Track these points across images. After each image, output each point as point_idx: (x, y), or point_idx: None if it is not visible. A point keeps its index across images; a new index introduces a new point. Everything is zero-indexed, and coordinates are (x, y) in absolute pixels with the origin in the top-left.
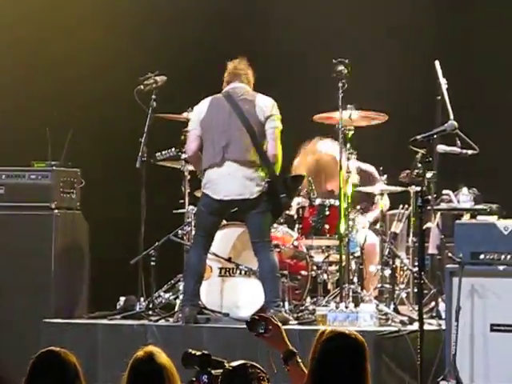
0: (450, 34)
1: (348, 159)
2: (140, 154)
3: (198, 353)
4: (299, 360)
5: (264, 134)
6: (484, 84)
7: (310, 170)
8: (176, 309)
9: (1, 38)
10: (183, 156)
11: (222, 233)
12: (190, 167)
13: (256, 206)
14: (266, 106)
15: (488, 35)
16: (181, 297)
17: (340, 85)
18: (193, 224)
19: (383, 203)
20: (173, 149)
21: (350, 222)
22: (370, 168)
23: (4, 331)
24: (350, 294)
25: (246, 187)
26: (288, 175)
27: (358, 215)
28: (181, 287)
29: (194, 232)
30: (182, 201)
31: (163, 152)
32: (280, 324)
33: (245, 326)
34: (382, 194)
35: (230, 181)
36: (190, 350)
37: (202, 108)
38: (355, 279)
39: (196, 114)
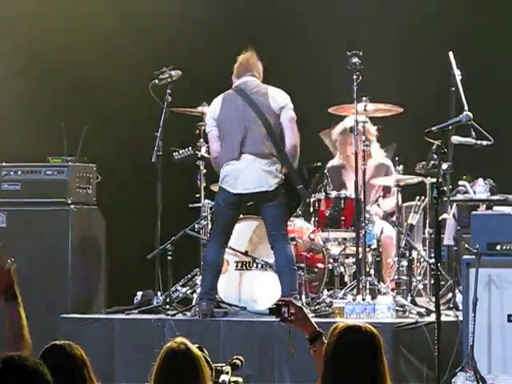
0: (464, 23)
1: (363, 151)
2: (155, 148)
3: None
4: (325, 341)
5: (279, 124)
6: (499, 74)
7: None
8: (193, 303)
9: (15, 38)
10: (200, 154)
11: (238, 226)
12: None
13: (273, 198)
14: (279, 97)
15: (503, 25)
16: (198, 291)
17: (354, 77)
18: (209, 218)
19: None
20: (190, 148)
21: (367, 215)
22: (387, 162)
23: None
24: (367, 286)
25: (263, 179)
26: (304, 166)
27: (373, 206)
28: (198, 281)
29: (211, 226)
30: (197, 195)
31: (180, 151)
32: (302, 306)
33: (262, 319)
34: (398, 186)
35: (248, 174)
36: None
37: (215, 106)
38: (372, 271)
39: (211, 114)
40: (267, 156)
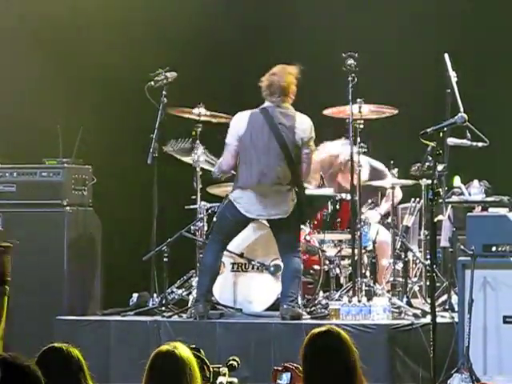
0: (461, 25)
1: (359, 153)
2: (151, 150)
3: None
4: None
5: (300, 155)
6: (496, 76)
7: (322, 165)
8: (189, 304)
9: (13, 39)
10: (196, 150)
11: None
12: (202, 164)
13: (288, 222)
14: (304, 130)
15: (500, 26)
16: (194, 292)
17: (350, 79)
18: (205, 220)
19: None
20: (190, 140)
21: (362, 216)
22: (380, 166)
23: (17, 329)
24: (363, 287)
25: (279, 207)
26: (317, 194)
27: (368, 210)
28: (193, 283)
29: (208, 229)
30: (193, 196)
31: (174, 144)
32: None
33: (258, 321)
34: (393, 188)
35: (264, 203)
36: None
37: (241, 123)
38: (368, 273)
39: (235, 128)
40: (284, 187)
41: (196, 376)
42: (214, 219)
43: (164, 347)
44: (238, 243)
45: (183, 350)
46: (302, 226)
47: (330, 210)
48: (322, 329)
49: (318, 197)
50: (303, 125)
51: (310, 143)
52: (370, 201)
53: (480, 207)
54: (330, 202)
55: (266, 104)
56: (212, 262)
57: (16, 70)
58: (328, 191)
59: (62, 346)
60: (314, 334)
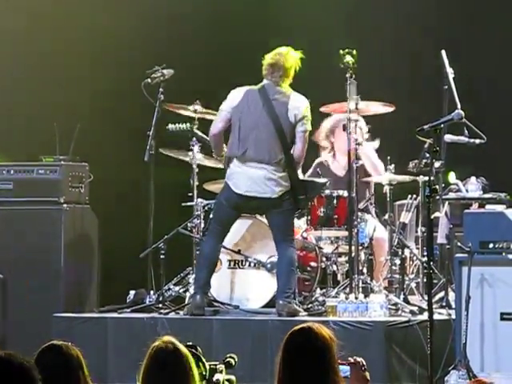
0: (457, 22)
1: (356, 150)
2: (148, 147)
3: None
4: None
5: (294, 135)
6: (493, 72)
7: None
8: (186, 301)
9: (8, 37)
10: (197, 132)
11: None
12: (199, 160)
13: (278, 205)
14: (298, 108)
15: (496, 22)
16: (191, 289)
17: (348, 75)
18: (202, 217)
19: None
20: (188, 124)
21: (359, 213)
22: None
23: (14, 326)
24: (360, 284)
25: (267, 186)
26: (311, 180)
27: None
28: (190, 280)
29: (207, 224)
30: (190, 194)
31: (176, 125)
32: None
33: (255, 318)
34: (390, 184)
35: (252, 178)
36: None
37: (236, 96)
38: (365, 270)
39: (230, 100)
40: (274, 164)
41: (194, 370)
42: (212, 212)
43: (160, 343)
44: (234, 240)
45: (178, 345)
46: (299, 224)
47: (326, 207)
48: (300, 326)
49: (313, 185)
50: (297, 102)
51: (306, 122)
52: (367, 196)
53: (477, 204)
54: (326, 199)
55: (264, 82)
56: (209, 253)
57: (14, 70)
58: (321, 179)
59: (62, 343)
60: (291, 332)
